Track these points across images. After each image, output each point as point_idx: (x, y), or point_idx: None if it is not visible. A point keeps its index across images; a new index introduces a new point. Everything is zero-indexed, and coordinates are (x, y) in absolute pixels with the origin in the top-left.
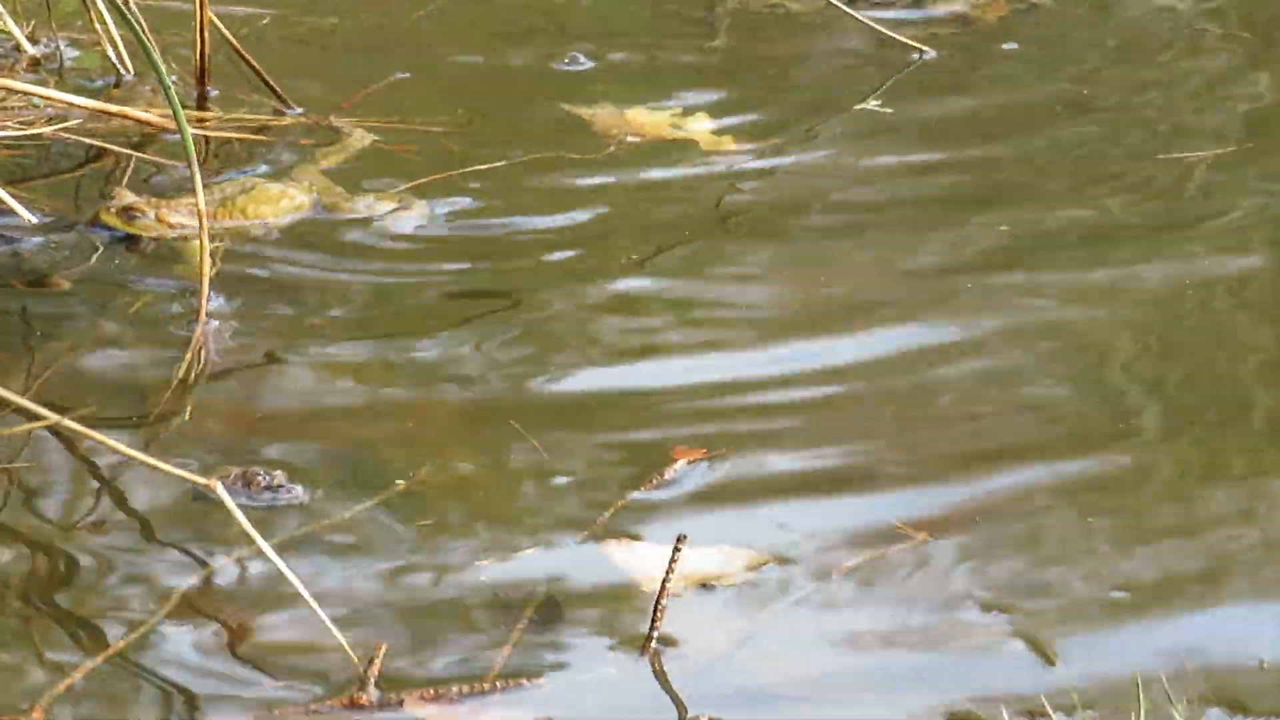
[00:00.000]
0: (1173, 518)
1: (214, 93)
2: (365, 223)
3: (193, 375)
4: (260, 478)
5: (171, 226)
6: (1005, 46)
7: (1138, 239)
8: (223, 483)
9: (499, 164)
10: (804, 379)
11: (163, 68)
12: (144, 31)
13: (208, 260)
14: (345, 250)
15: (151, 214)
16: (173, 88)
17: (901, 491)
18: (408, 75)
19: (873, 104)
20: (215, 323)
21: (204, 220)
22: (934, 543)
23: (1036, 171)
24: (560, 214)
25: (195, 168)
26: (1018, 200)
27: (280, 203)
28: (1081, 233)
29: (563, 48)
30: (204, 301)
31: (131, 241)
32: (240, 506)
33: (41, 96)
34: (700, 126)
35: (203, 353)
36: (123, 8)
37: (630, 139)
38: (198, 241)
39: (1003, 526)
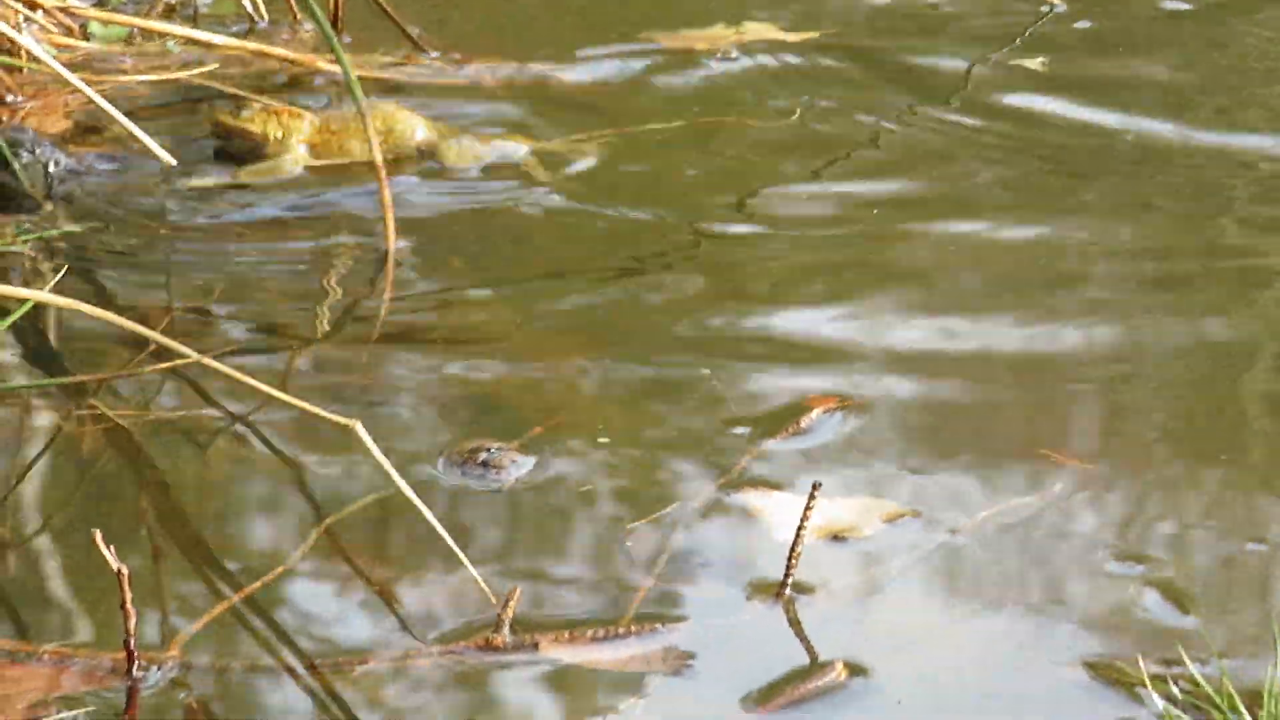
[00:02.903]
0: None
1: (347, 39)
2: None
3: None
4: (483, 454)
5: (277, 114)
6: None
7: None
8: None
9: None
10: (945, 326)
11: (319, 10)
12: None
13: (389, 196)
14: (481, 185)
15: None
16: (329, 28)
17: (1039, 438)
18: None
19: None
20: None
21: (379, 155)
22: (1068, 491)
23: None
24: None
25: (360, 99)
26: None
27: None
28: None
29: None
30: (390, 235)
31: (228, 141)
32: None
33: (195, 40)
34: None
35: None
36: None
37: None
38: (290, 154)
39: (1139, 474)
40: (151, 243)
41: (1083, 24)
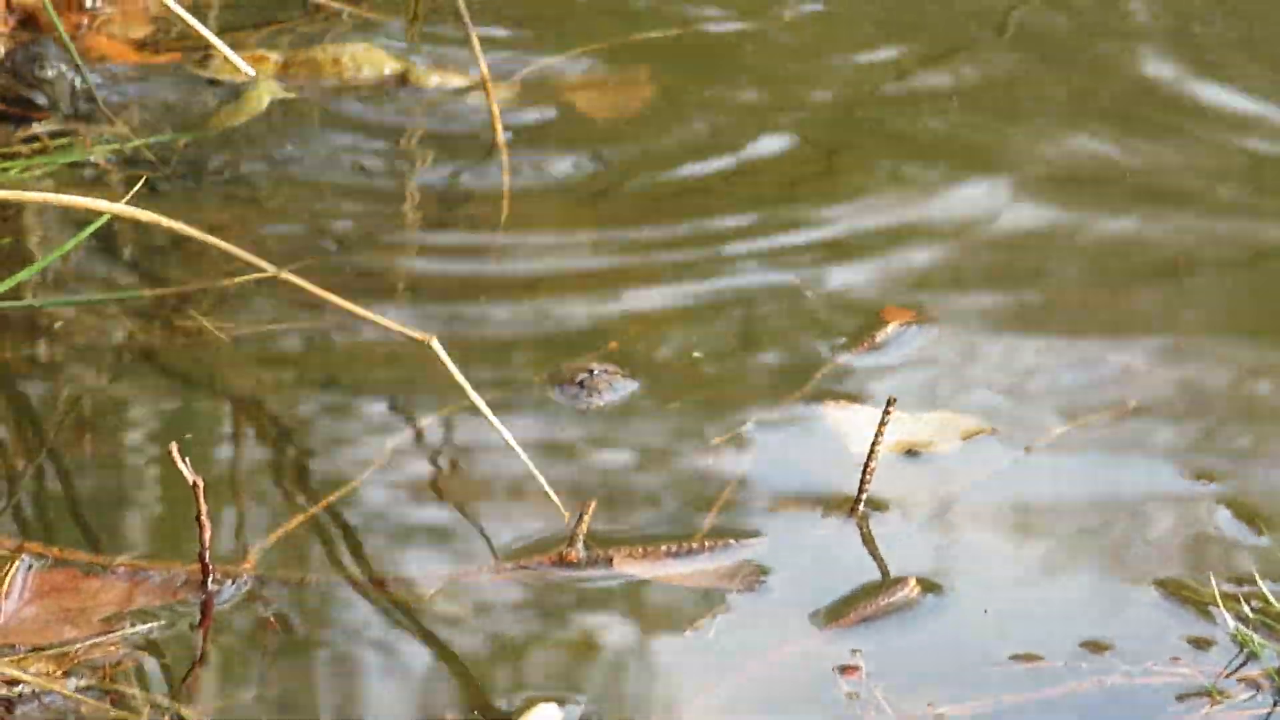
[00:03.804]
0: None
1: None
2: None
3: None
4: (582, 375)
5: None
6: None
7: None
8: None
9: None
10: (1016, 240)
11: None
12: None
13: (496, 109)
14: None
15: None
16: None
17: (1116, 357)
18: None
19: None
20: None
21: (485, 71)
22: (1144, 408)
23: None
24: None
25: (464, 11)
26: None
27: (366, 57)
28: None
29: None
30: (499, 133)
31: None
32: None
33: None
34: None
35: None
36: None
37: None
38: (257, 92)
39: (1215, 393)
40: (219, 157)
41: None
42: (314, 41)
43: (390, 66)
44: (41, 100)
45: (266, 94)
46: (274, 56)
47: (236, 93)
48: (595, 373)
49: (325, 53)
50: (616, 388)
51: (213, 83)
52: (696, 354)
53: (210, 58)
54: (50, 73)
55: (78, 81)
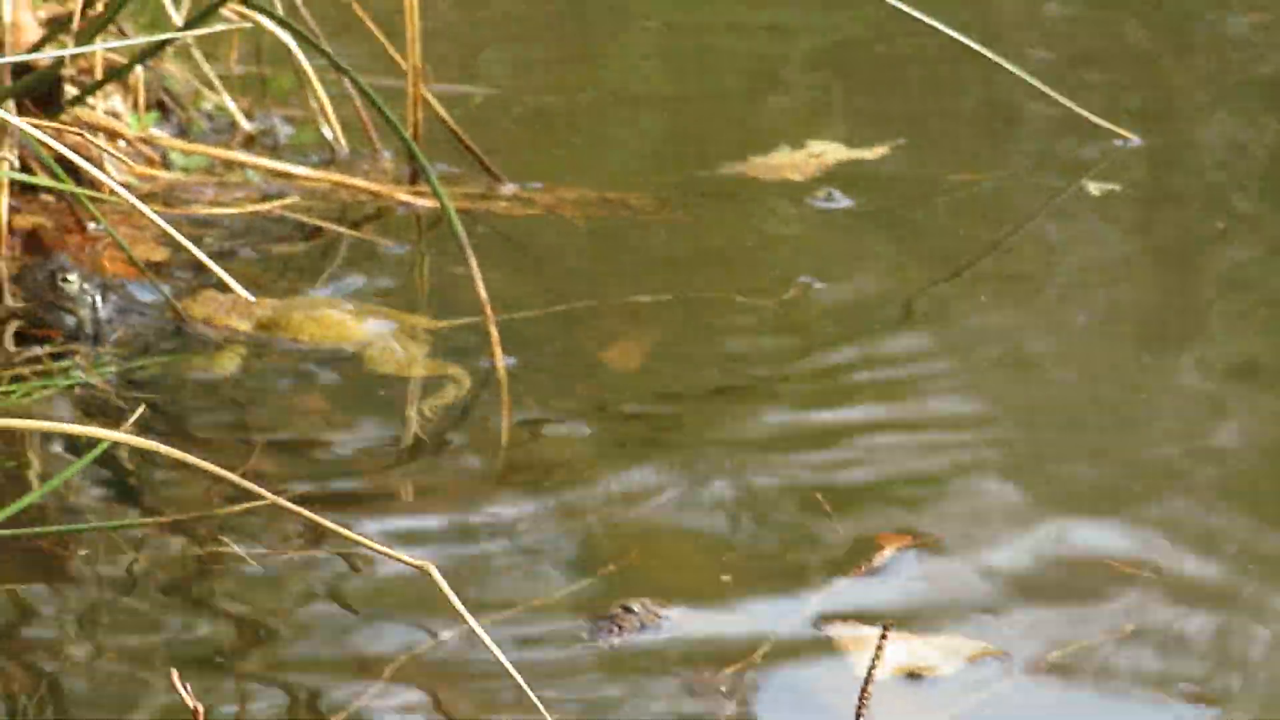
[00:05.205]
0: None
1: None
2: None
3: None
4: (619, 613)
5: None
6: None
7: None
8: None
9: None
10: (1017, 454)
11: (414, 145)
12: (385, 109)
13: (495, 333)
14: None
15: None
16: (425, 161)
17: (1116, 577)
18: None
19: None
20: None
21: (482, 289)
22: (1147, 625)
23: None
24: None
25: (464, 241)
26: None
27: (332, 331)
28: None
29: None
30: (499, 360)
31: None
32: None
33: (276, 171)
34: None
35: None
36: (364, 86)
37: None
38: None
39: (1213, 615)
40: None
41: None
42: (305, 276)
43: (351, 342)
44: (69, 322)
45: (232, 363)
46: (249, 320)
47: (214, 344)
48: (628, 610)
49: (299, 314)
50: (648, 629)
51: (179, 330)
52: (725, 578)
53: (196, 301)
54: (73, 288)
55: (99, 299)
